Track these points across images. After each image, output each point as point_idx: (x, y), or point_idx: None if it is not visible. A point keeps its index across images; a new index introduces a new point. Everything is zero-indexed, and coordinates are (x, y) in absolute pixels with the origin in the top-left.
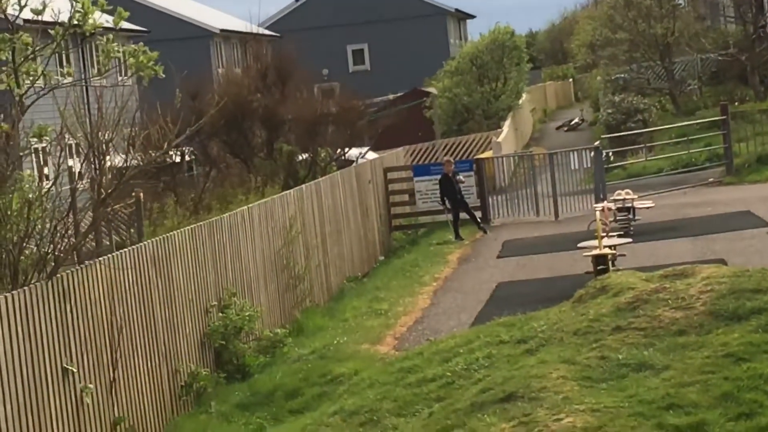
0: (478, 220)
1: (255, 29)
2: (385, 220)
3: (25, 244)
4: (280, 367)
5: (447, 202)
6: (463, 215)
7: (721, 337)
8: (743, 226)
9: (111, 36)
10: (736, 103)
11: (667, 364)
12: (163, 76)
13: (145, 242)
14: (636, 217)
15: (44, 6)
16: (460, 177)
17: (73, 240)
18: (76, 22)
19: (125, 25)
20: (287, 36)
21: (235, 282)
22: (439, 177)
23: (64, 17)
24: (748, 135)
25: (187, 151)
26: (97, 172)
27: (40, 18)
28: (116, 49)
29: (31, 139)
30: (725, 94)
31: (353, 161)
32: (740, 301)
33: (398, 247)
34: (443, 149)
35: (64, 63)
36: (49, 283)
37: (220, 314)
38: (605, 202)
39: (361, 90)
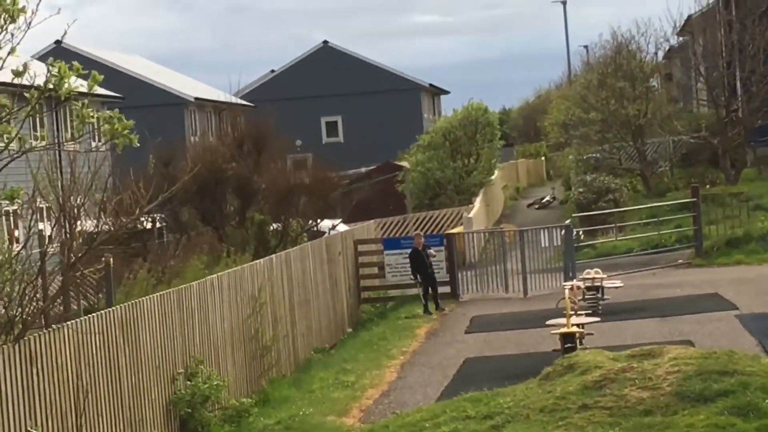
0: (438, 300)
1: (230, 98)
2: (354, 292)
3: None
4: None
5: (418, 276)
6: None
7: (687, 419)
8: (711, 309)
9: (86, 101)
10: (707, 186)
11: None
12: (138, 145)
13: (114, 307)
14: (604, 297)
15: (25, 68)
16: (431, 251)
17: (42, 303)
18: (51, 86)
19: (100, 90)
20: (261, 106)
21: (203, 349)
22: (409, 251)
23: (39, 80)
24: (719, 218)
25: (158, 217)
26: (68, 236)
27: (17, 81)
28: (91, 114)
29: (2, 202)
30: (696, 177)
31: (325, 232)
32: (707, 383)
33: (367, 320)
34: (414, 223)
35: (38, 126)
36: (16, 346)
37: (187, 382)
38: (574, 280)
39: (334, 162)
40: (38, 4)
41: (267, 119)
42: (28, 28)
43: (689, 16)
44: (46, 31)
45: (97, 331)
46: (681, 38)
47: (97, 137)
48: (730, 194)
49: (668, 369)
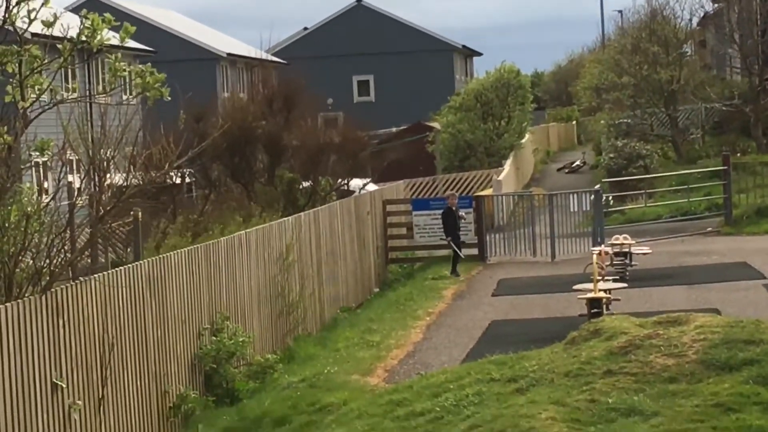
0: (458, 264)
1: (263, 55)
2: (381, 252)
3: (21, 257)
4: (269, 394)
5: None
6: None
7: (711, 387)
8: (739, 277)
9: (119, 54)
10: (738, 154)
11: (656, 411)
12: (169, 98)
13: (141, 262)
14: (632, 263)
15: (55, 19)
16: (462, 213)
17: (70, 255)
18: (84, 38)
19: (131, 44)
20: (294, 63)
21: (229, 306)
22: (438, 212)
23: (72, 32)
24: (749, 187)
25: (187, 173)
26: (97, 188)
27: (48, 32)
28: (123, 67)
29: (32, 153)
30: (728, 145)
31: (354, 192)
32: (732, 352)
33: (393, 280)
34: (444, 184)
35: (70, 79)
36: (43, 297)
37: (213, 338)
38: (602, 245)
39: (365, 121)
40: None
41: (298, 77)
42: None
43: None
44: None
45: (124, 284)
46: (716, 5)
47: (128, 90)
48: (762, 163)
49: (694, 336)
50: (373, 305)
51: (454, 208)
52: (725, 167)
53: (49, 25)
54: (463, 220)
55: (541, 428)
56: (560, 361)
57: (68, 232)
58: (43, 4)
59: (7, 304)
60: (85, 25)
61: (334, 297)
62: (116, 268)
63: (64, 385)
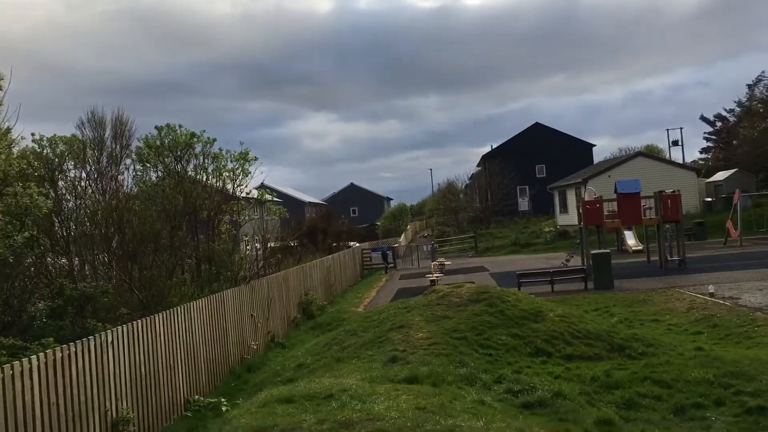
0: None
1: (319, 201)
2: (359, 266)
3: (239, 270)
4: (325, 315)
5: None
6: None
7: (471, 307)
8: (480, 270)
9: (270, 201)
10: (478, 231)
11: (452, 316)
12: (287, 216)
13: (283, 271)
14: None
15: (249, 191)
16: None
17: (257, 270)
18: (259, 197)
19: (275, 198)
20: (333, 204)
21: (312, 285)
22: (382, 250)
23: (254, 194)
24: (484, 238)
25: (294, 242)
26: (264, 247)
27: (248, 195)
28: (273, 207)
29: (243, 237)
30: (476, 226)
31: (350, 246)
32: (479, 295)
33: (367, 275)
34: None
35: (255, 211)
36: (250, 283)
37: (304, 296)
38: (437, 261)
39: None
40: (254, 170)
41: (333, 211)
42: (251, 178)
43: (473, 174)
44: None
45: (276, 281)
46: (469, 180)
47: (272, 214)
48: (487, 232)
49: (466, 290)
50: (359, 284)
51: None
52: (473, 235)
53: (248, 194)
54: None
55: (416, 324)
56: (422, 300)
57: (257, 262)
58: (245, 186)
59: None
60: (260, 193)
61: (344, 280)
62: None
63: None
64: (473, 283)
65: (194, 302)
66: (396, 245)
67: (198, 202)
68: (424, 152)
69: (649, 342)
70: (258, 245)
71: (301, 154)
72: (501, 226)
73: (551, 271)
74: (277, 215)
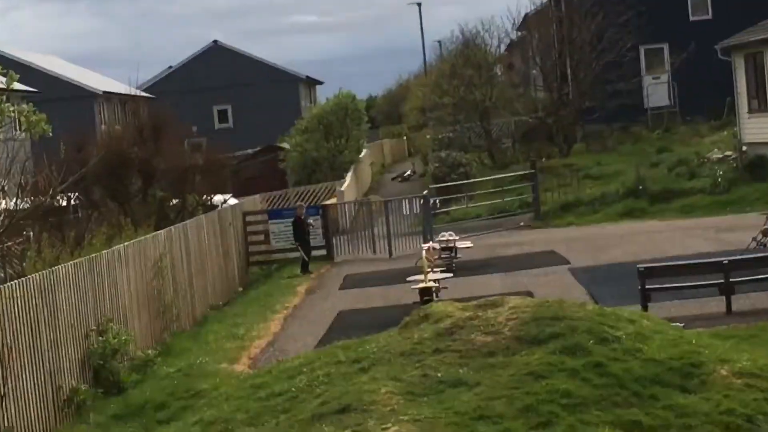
0: (308, 264)
1: (133, 91)
2: (243, 256)
3: None
4: (150, 384)
5: (299, 242)
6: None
7: (524, 358)
8: (547, 264)
9: (4, 97)
10: (544, 159)
11: (478, 381)
12: (50, 135)
13: (34, 274)
14: (457, 255)
15: None
16: (311, 221)
17: None
18: None
19: (17, 86)
20: (161, 97)
21: (112, 309)
22: (290, 220)
23: None
24: (553, 186)
25: (72, 196)
26: None
27: None
28: (10, 108)
29: None
30: (534, 151)
31: (218, 206)
32: (540, 328)
33: (254, 280)
34: (294, 196)
35: None
36: None
37: (99, 338)
38: (431, 242)
39: (225, 145)
40: None
41: (165, 109)
42: None
43: (526, 14)
44: None
45: (19, 295)
46: (519, 33)
47: (16, 127)
48: (563, 165)
49: (508, 316)
50: (238, 302)
51: (302, 217)
52: (533, 171)
53: None
54: (311, 227)
55: (381, 401)
56: (396, 342)
57: None
58: None
59: None
60: None
61: (204, 297)
62: (11, 282)
63: None
64: (528, 293)
65: None
66: (331, 203)
67: None
68: None
69: None
70: None
71: None
72: (599, 146)
73: (725, 262)
74: (28, 130)
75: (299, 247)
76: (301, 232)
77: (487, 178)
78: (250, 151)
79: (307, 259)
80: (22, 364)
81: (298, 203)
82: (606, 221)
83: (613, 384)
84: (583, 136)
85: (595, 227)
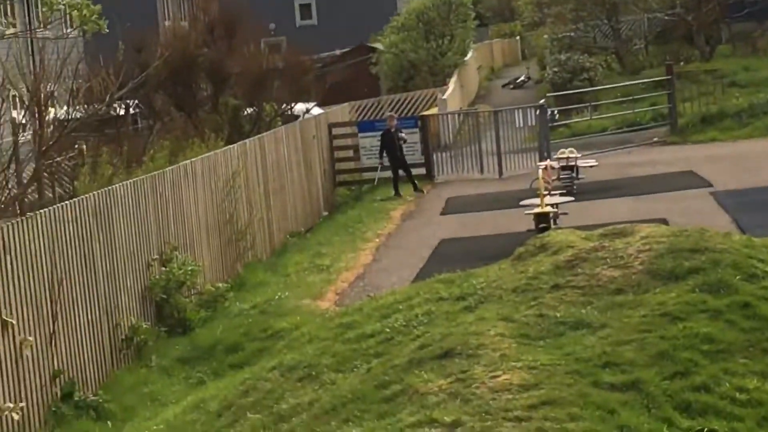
0: (415, 181)
1: None
2: (329, 175)
3: None
4: (221, 322)
5: (386, 158)
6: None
7: (658, 297)
8: (686, 186)
9: None
10: (682, 64)
11: (604, 323)
12: (106, 32)
13: (87, 195)
14: (579, 176)
15: None
16: (403, 135)
17: (15, 191)
18: None
19: None
20: None
21: (177, 236)
22: (385, 130)
23: None
24: (693, 95)
25: (132, 104)
26: (39, 124)
27: None
28: (59, 1)
29: None
30: (671, 54)
31: (299, 116)
32: (678, 261)
33: (342, 203)
34: (389, 105)
35: (8, 14)
36: None
37: (162, 268)
38: (549, 160)
39: (308, 45)
40: None
41: (239, 3)
42: None
43: None
44: None
45: (70, 219)
46: None
47: (67, 24)
48: (705, 71)
49: (640, 247)
50: (322, 229)
51: (393, 130)
52: (669, 77)
53: None
54: (403, 142)
55: (490, 345)
56: (508, 277)
57: (12, 167)
58: None
59: None
60: None
61: (283, 222)
62: (62, 203)
63: (14, 322)
64: (662, 221)
65: None
66: (431, 113)
67: None
68: None
69: None
70: (17, 114)
71: None
72: (748, 48)
73: None
74: (80, 26)
75: (381, 165)
76: (391, 147)
77: (615, 85)
78: (337, 52)
79: (393, 181)
80: (74, 298)
81: (388, 113)
82: (755, 137)
83: (763, 328)
84: (729, 36)
85: (743, 143)
